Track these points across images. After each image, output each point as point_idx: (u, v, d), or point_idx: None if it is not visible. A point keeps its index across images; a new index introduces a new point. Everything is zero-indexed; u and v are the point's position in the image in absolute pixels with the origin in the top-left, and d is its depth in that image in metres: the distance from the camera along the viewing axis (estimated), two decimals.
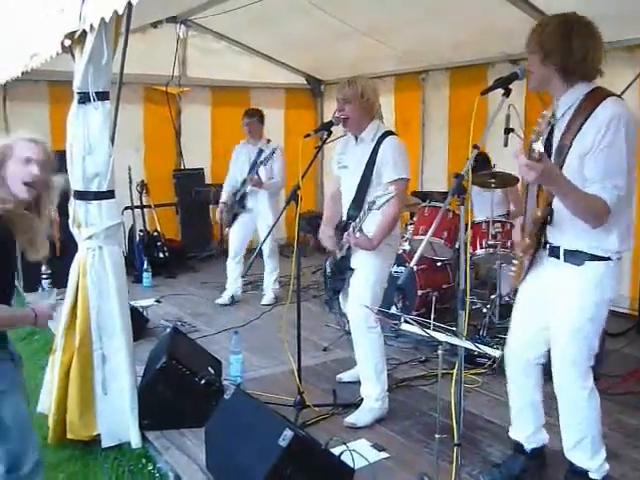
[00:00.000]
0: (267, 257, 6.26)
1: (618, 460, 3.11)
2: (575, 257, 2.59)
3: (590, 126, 2.44)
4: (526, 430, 2.99)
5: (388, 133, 3.65)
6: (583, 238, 2.54)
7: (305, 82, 9.11)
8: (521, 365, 2.92)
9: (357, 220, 3.52)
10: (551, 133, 2.61)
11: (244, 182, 6.12)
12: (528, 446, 2.99)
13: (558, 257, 2.65)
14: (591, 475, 2.74)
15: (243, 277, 6.25)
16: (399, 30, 6.28)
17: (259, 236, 6.18)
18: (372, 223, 3.53)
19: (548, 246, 2.71)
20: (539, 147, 2.11)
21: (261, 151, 6.03)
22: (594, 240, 2.53)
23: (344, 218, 3.78)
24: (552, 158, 2.54)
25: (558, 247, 2.65)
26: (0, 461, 2.33)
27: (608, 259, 2.56)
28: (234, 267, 6.25)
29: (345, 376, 4.23)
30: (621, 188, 2.40)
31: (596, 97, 2.49)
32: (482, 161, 4.99)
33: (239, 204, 6.21)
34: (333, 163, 3.92)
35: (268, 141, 6.20)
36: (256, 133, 6.19)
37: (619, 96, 2.57)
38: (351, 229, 3.57)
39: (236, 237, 6.26)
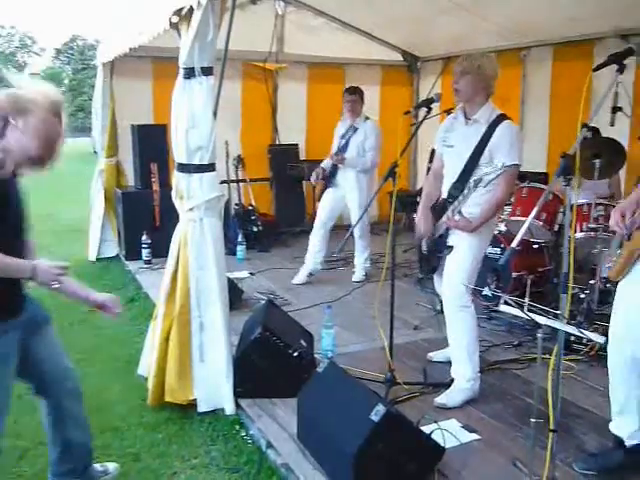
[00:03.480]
0: (358, 237, 6.19)
1: None
2: None
3: None
4: (629, 427, 2.84)
5: (503, 117, 3.54)
6: None
7: (401, 59, 8.98)
8: (624, 360, 2.76)
9: (456, 202, 3.50)
10: None
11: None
12: (630, 442, 2.85)
13: None
14: None
15: (334, 255, 6.24)
16: (501, 5, 6.06)
17: (349, 213, 6.18)
18: (473, 203, 3.49)
19: None
20: None
21: (355, 129, 6.00)
22: None
23: (444, 196, 3.72)
24: None
25: None
26: None
27: None
28: (315, 241, 6.16)
29: (436, 355, 4.20)
30: None
31: None
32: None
33: (329, 179, 6.20)
34: (437, 140, 3.84)
35: (366, 118, 6.09)
36: (356, 111, 6.07)
37: None
38: (450, 211, 3.53)
39: (322, 211, 6.22)
